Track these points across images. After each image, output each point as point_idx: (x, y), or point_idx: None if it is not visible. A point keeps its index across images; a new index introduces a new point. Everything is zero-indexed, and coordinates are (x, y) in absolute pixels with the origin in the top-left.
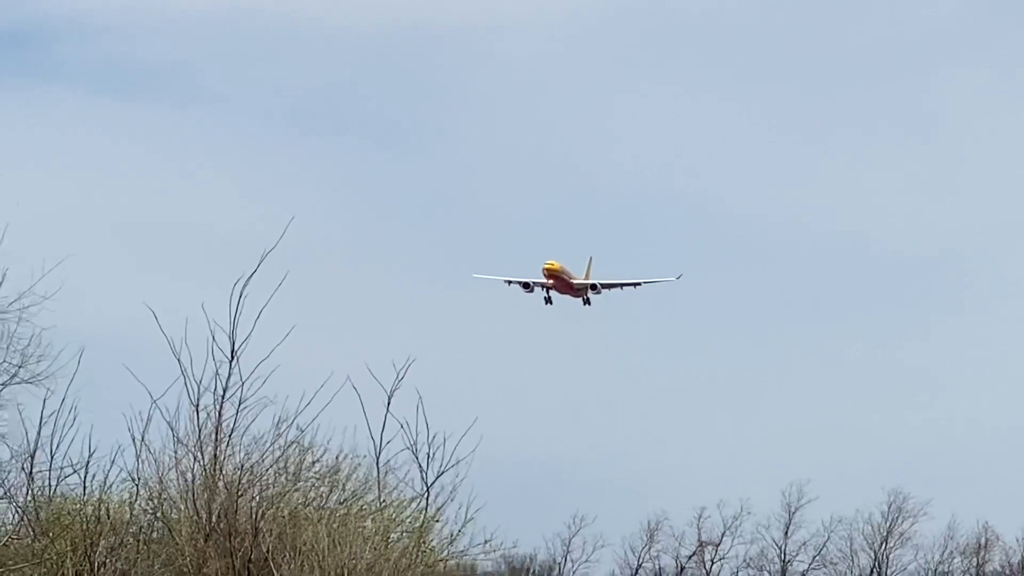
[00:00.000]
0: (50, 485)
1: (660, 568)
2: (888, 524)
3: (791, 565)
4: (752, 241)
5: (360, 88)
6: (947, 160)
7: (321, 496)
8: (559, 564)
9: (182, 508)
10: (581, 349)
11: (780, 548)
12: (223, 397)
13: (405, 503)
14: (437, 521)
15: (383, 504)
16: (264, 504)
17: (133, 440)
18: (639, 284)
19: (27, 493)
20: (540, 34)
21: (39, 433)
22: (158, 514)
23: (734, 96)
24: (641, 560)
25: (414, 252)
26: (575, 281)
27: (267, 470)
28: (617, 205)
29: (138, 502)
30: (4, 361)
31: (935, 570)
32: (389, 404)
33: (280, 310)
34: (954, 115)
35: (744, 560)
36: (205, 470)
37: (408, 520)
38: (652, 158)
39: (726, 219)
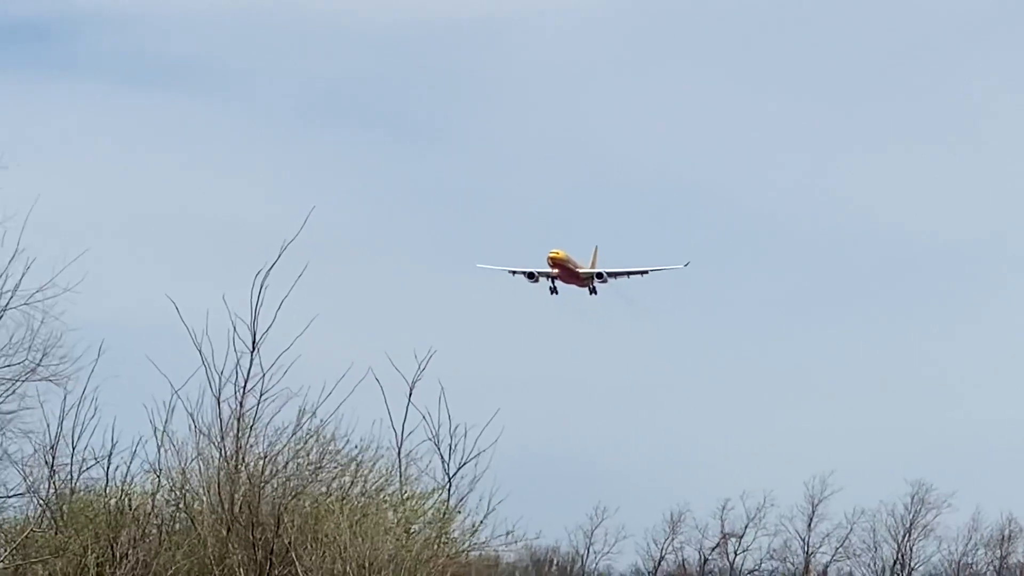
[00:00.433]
0: (72, 477)
1: (683, 559)
2: (911, 516)
3: (814, 557)
4: (770, 232)
5: (380, 81)
6: (971, 148)
7: (343, 487)
8: (582, 555)
9: (204, 499)
10: (597, 340)
11: (803, 540)
12: (244, 388)
13: (427, 494)
14: (459, 512)
15: (405, 495)
16: (286, 495)
17: (155, 431)
18: (646, 272)
19: (49, 486)
20: (554, 25)
21: (60, 426)
22: (180, 505)
23: (746, 85)
24: (664, 552)
25: (431, 243)
26: (580, 270)
27: (289, 461)
28: (625, 194)
29: (160, 493)
30: (26, 359)
31: (959, 562)
32: (411, 395)
33: (300, 301)
34: (965, 109)
35: (767, 552)
36: (227, 461)
37: (430, 511)
38: (661, 147)
39: (751, 208)
